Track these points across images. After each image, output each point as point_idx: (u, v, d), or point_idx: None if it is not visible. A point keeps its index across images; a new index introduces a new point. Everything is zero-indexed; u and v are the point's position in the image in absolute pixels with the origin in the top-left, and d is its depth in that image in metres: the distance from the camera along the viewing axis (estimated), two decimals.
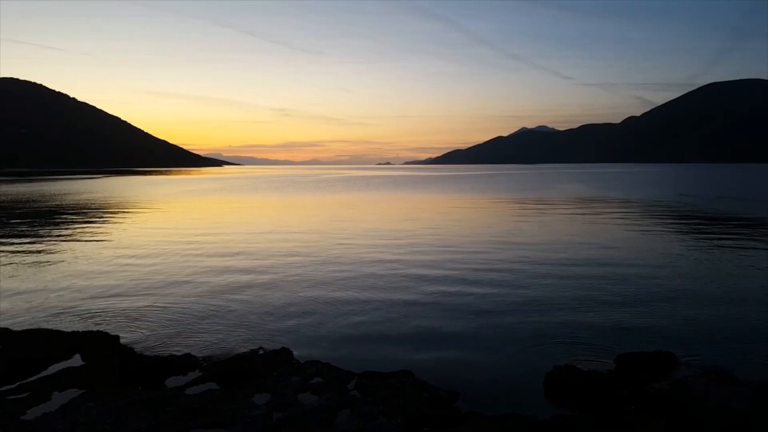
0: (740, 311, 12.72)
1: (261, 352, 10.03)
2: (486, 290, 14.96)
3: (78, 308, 13.29)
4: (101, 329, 11.17)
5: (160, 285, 15.84)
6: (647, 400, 7.77)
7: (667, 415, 7.31)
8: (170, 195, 65.12)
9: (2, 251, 22.36)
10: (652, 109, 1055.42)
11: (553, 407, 7.99)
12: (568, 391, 8.29)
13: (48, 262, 19.79)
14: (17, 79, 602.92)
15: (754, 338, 10.84)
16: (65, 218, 36.59)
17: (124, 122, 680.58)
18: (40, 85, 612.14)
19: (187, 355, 9.76)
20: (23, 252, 22.14)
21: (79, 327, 11.59)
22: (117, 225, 32.55)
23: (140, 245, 23.61)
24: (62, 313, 12.90)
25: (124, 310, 13.12)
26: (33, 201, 54.09)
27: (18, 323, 11.89)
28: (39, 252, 22.07)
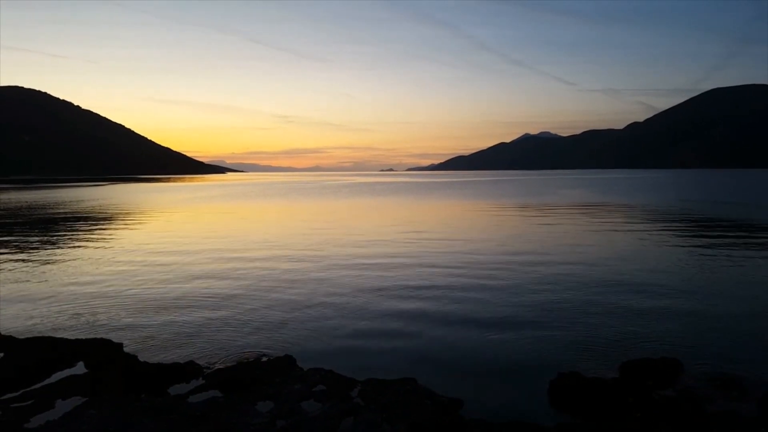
0: (744, 317, 12.64)
1: (264, 359, 10.02)
2: (489, 297, 14.92)
3: (82, 315, 13.31)
4: (105, 336, 11.16)
5: (164, 292, 15.85)
6: (653, 407, 7.71)
7: (672, 421, 7.25)
8: (174, 202, 65.27)
9: (7, 258, 22.43)
10: (655, 115, 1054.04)
11: (558, 415, 7.94)
12: (573, 399, 8.24)
13: (52, 269, 19.83)
14: (22, 87, 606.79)
15: (758, 344, 10.77)
16: (69, 225, 36.71)
17: (128, 129, 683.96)
18: (45, 92, 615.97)
19: (191, 362, 9.74)
20: (28, 259, 22.20)
21: (83, 334, 11.60)
22: (121, 232, 32.63)
23: (144, 252, 23.64)
24: (66, 320, 12.92)
25: (127, 317, 13.13)
26: (39, 208, 54.29)
27: (22, 330, 11.92)
28: (43, 259, 22.13)
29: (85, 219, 41.56)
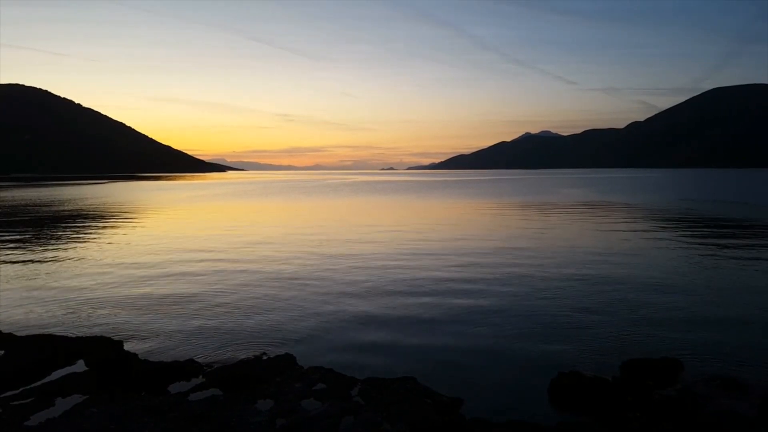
0: (746, 316, 12.63)
1: (264, 357, 10.02)
2: (491, 296, 14.91)
3: (82, 313, 13.31)
4: (105, 335, 11.17)
5: (164, 290, 15.84)
6: (653, 406, 7.71)
7: (673, 421, 7.25)
8: (174, 200, 65.27)
9: (8, 255, 22.43)
10: (656, 114, 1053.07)
11: (559, 414, 7.94)
12: (573, 398, 8.23)
13: (52, 267, 19.83)
14: (23, 85, 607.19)
15: (760, 344, 10.76)
16: (70, 223, 36.71)
17: (129, 128, 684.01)
18: (46, 91, 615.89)
19: (191, 360, 9.75)
20: (28, 257, 22.19)
21: (83, 332, 11.60)
22: (122, 230, 32.61)
23: (145, 250, 23.65)
24: (66, 318, 12.92)
25: (127, 315, 13.13)
26: (39, 206, 54.30)
27: (22, 328, 11.92)
28: (43, 257, 22.12)
29: (86, 217, 41.56)
